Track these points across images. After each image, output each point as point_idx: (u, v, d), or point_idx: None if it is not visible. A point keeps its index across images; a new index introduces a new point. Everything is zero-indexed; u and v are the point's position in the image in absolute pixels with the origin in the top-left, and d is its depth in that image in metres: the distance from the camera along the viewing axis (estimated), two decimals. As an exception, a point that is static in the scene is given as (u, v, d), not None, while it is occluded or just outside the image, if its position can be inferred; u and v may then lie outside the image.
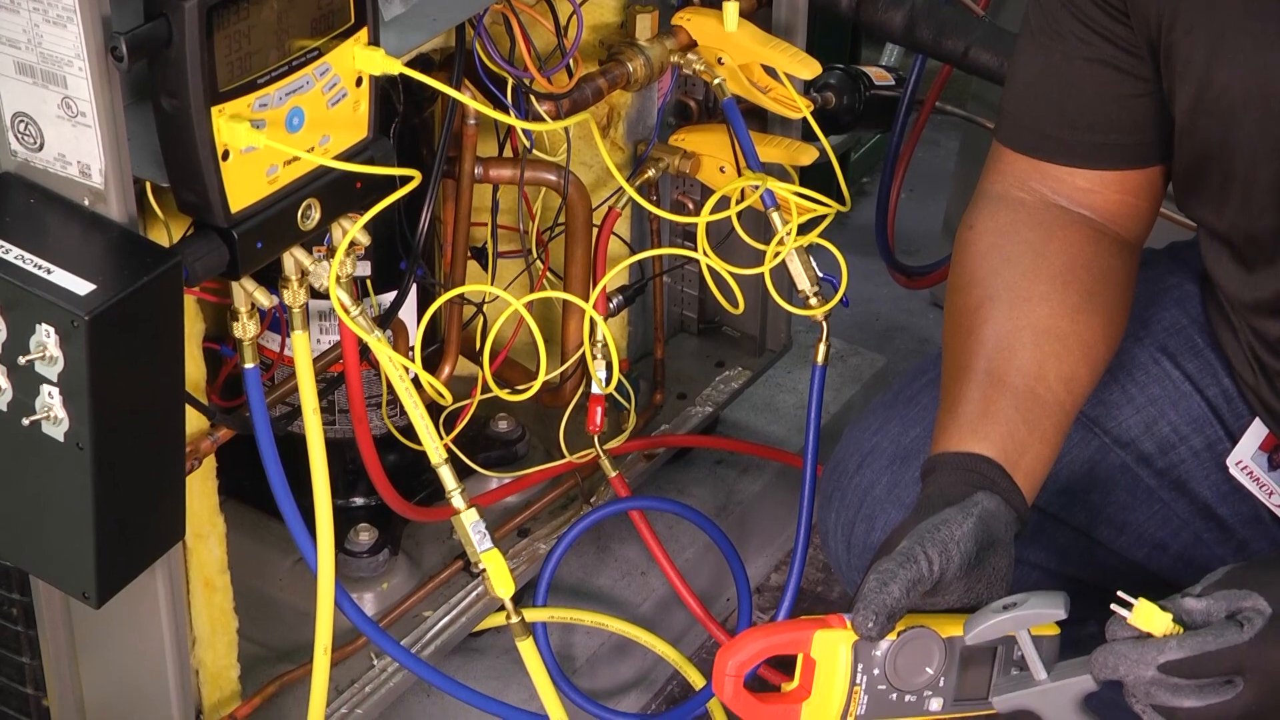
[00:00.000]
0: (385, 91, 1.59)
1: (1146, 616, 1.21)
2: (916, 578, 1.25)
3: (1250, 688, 1.19)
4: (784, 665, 1.30)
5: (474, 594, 1.85)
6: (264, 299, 1.45)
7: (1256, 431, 1.55)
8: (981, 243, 1.47)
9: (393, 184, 1.43)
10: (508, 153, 1.84)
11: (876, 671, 1.25)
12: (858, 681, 1.25)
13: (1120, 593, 1.22)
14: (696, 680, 1.96)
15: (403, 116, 1.66)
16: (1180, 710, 1.20)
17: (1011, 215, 1.47)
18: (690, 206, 2.07)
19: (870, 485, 1.55)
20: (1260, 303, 1.45)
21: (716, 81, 1.84)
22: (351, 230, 1.43)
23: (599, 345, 1.84)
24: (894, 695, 1.26)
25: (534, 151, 1.82)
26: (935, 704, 1.27)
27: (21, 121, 1.30)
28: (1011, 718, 1.29)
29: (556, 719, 1.68)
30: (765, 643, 1.24)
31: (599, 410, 1.88)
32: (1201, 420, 1.56)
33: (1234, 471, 1.54)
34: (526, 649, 1.65)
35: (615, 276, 1.88)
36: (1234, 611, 1.21)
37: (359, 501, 1.87)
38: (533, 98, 1.69)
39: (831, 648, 1.24)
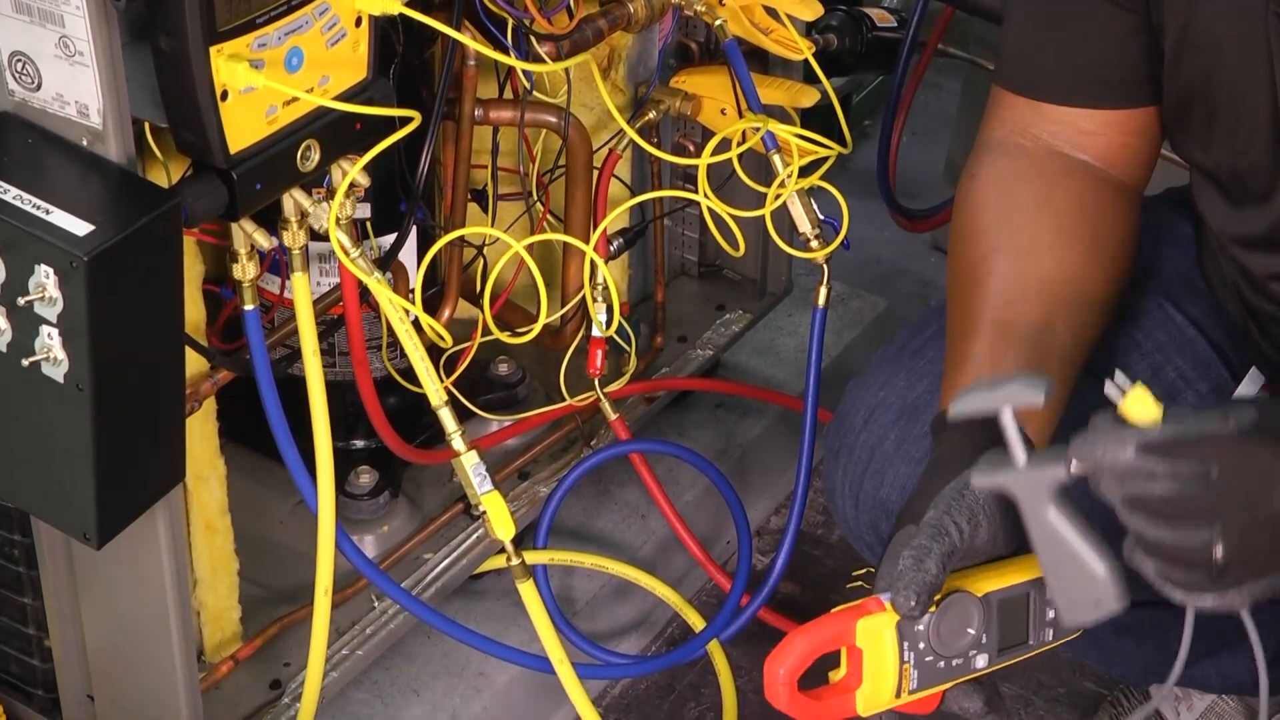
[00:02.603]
0: (385, 32, 1.58)
1: (1138, 404, 1.15)
2: (950, 550, 1.23)
3: (1224, 480, 1.13)
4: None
5: (474, 536, 1.86)
6: (263, 240, 1.44)
7: (1256, 372, 1.55)
8: (984, 193, 1.46)
9: (392, 125, 1.42)
10: (508, 94, 1.83)
11: (922, 645, 1.24)
12: (906, 659, 1.24)
13: (1119, 371, 1.18)
14: (696, 622, 1.97)
15: (402, 57, 1.65)
16: (1152, 498, 1.15)
17: (1014, 164, 1.46)
18: (691, 149, 2.06)
19: (878, 441, 1.54)
20: (1247, 238, 1.45)
21: (718, 23, 1.83)
22: (351, 171, 1.43)
23: (599, 288, 1.84)
24: (941, 663, 1.25)
25: (534, 93, 1.81)
26: (981, 660, 1.27)
27: (19, 61, 1.30)
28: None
29: (557, 660, 1.69)
30: (809, 642, 1.23)
31: (599, 353, 1.88)
32: (1207, 363, 1.56)
33: (1237, 412, 1.54)
34: (527, 591, 1.66)
35: (616, 219, 1.87)
36: (1224, 415, 1.16)
37: (359, 444, 1.88)
38: (533, 39, 1.68)
39: (876, 634, 1.23)
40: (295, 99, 1.35)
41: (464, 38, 1.53)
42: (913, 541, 1.24)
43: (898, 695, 1.25)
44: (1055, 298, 1.40)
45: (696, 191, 1.84)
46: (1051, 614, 1.29)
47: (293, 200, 1.46)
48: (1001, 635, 1.27)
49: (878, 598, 1.25)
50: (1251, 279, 1.48)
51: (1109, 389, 1.17)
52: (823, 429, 1.89)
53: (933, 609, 1.25)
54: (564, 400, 1.90)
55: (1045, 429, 1.37)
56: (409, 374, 1.61)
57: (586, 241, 1.84)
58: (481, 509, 1.59)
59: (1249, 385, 1.55)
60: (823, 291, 1.86)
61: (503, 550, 1.64)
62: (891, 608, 1.23)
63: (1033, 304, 1.39)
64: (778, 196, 1.82)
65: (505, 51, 1.65)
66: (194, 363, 1.53)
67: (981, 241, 1.43)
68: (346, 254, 1.48)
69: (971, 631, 1.26)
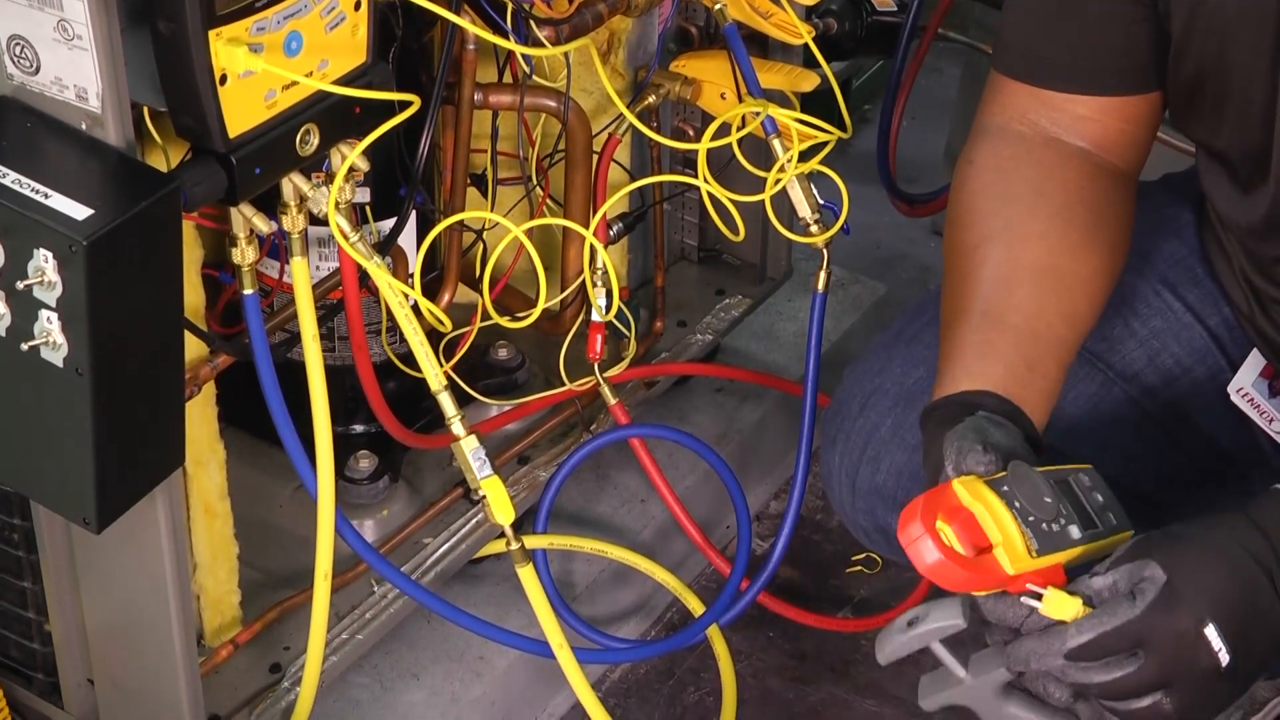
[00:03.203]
0: (384, 16, 1.58)
1: (1057, 605, 1.21)
2: (983, 437, 1.25)
3: (1151, 657, 1.19)
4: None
5: (474, 521, 1.86)
6: (262, 225, 1.44)
7: (1256, 359, 1.55)
8: (981, 180, 1.46)
9: (391, 109, 1.42)
10: (507, 79, 1.82)
11: (1018, 504, 1.22)
12: (1015, 517, 1.22)
13: (1029, 585, 1.22)
14: (696, 607, 1.97)
15: (402, 41, 1.65)
16: (1091, 686, 1.21)
17: (1011, 151, 1.46)
18: (691, 133, 2.06)
19: (874, 427, 1.54)
20: (1255, 224, 1.45)
21: (717, 7, 1.83)
22: (350, 156, 1.43)
23: (599, 272, 1.84)
24: (1044, 526, 1.23)
25: (534, 77, 1.81)
26: (1074, 531, 1.25)
27: (17, 44, 1.29)
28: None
29: (556, 645, 1.69)
30: (924, 507, 1.21)
31: (599, 338, 1.87)
32: (1203, 350, 1.56)
33: (1235, 399, 1.54)
34: (526, 575, 1.66)
35: (615, 204, 1.87)
36: (1136, 583, 1.21)
37: (359, 428, 1.88)
38: (532, 23, 1.67)
39: (975, 489, 1.22)
40: (294, 83, 1.35)
41: (463, 22, 1.53)
42: (949, 446, 1.25)
43: (1030, 552, 1.22)
44: (1048, 285, 1.39)
45: (696, 176, 1.84)
46: (1101, 499, 1.28)
47: (292, 184, 1.46)
48: (1075, 509, 1.26)
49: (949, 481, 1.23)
50: (1258, 263, 1.48)
51: (1024, 599, 1.22)
52: (822, 414, 1.89)
53: (1002, 473, 1.24)
54: (563, 385, 1.90)
55: (1042, 417, 1.37)
56: (408, 359, 1.61)
57: (586, 226, 1.84)
58: (481, 494, 1.59)
59: (1250, 369, 1.55)
60: (822, 276, 1.86)
61: (502, 535, 1.64)
62: (963, 474, 1.23)
63: (1025, 292, 1.39)
64: (777, 181, 1.82)
65: (505, 36, 1.65)
66: (193, 347, 1.53)
67: (976, 229, 1.43)
68: (346, 238, 1.48)
69: (1049, 500, 1.24)
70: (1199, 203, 1.58)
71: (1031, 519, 1.22)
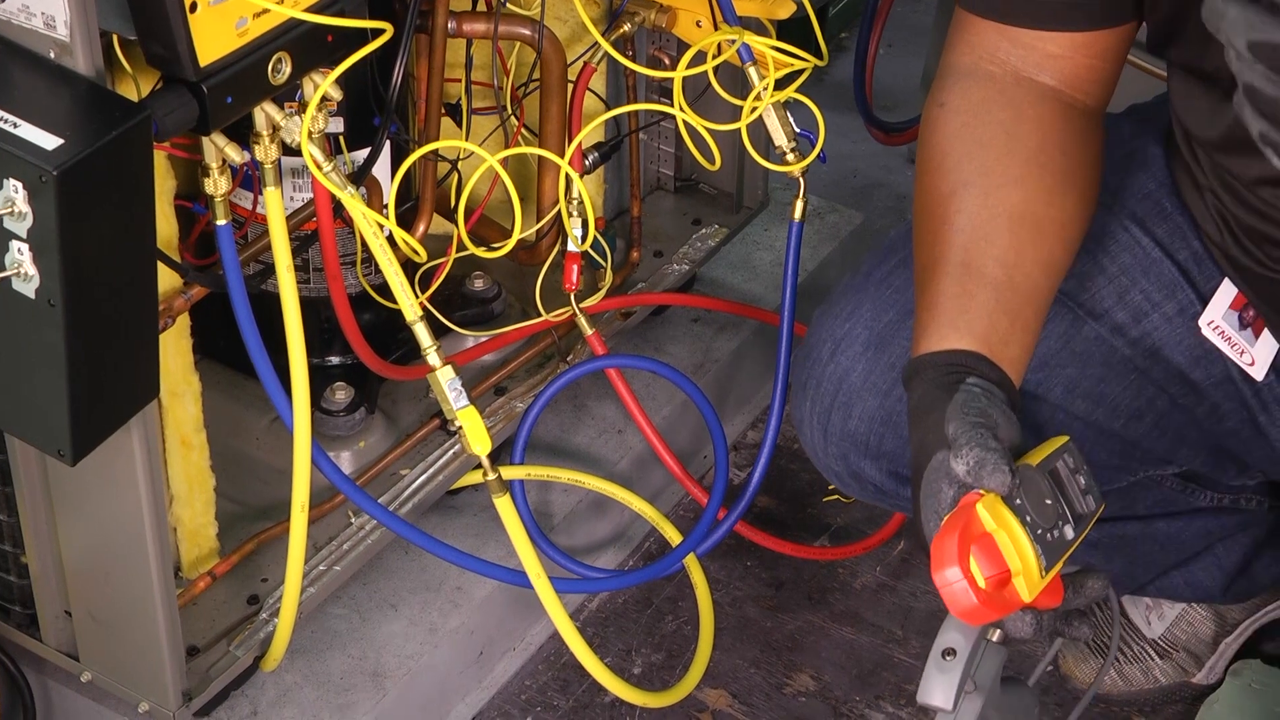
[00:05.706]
0: (356, -57, 1.57)
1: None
2: (994, 430, 1.25)
3: None
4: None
5: (451, 452, 1.86)
6: (235, 154, 1.43)
7: (1226, 291, 1.54)
8: (953, 123, 1.44)
9: (364, 37, 1.41)
10: (481, 6, 1.81)
11: (1028, 519, 1.24)
12: (1030, 537, 1.24)
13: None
14: (673, 537, 1.97)
15: (374, -31, 1.63)
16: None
17: (982, 93, 1.44)
18: (666, 61, 2.04)
19: (845, 373, 1.54)
20: (1232, 139, 1.43)
21: (693, -67, 1.81)
22: (323, 85, 1.42)
23: (575, 202, 1.83)
24: (1049, 535, 1.24)
25: (508, 5, 1.79)
26: (1069, 531, 1.26)
27: (-16, -28, 1.28)
28: None
29: (534, 575, 1.69)
30: (953, 542, 1.22)
31: (575, 268, 1.87)
32: (1173, 285, 1.56)
33: (1206, 332, 1.54)
34: (503, 506, 1.66)
35: (591, 133, 1.86)
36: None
37: (334, 360, 1.87)
38: (506, -50, 1.66)
39: (997, 511, 1.22)
40: (265, 10, 1.34)
41: (436, -52, 1.51)
42: (963, 440, 1.24)
43: (1041, 573, 1.23)
44: (1025, 233, 1.38)
45: (672, 105, 1.83)
46: (1083, 481, 1.29)
47: (264, 114, 1.45)
48: (1066, 503, 1.27)
49: (970, 494, 1.24)
50: (1233, 188, 1.47)
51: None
52: (798, 344, 1.89)
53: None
54: (540, 315, 1.90)
55: (1021, 371, 1.36)
56: (384, 290, 1.61)
57: (561, 155, 1.83)
58: (458, 424, 1.59)
59: (1220, 301, 1.55)
60: (799, 205, 1.85)
61: (479, 466, 1.64)
62: (987, 492, 1.23)
63: (1002, 241, 1.38)
64: (754, 110, 1.81)
65: (478, -37, 1.63)
66: (167, 278, 1.52)
67: (950, 176, 1.42)
68: (319, 168, 1.47)
69: (1049, 503, 1.25)
70: (1167, 134, 1.57)
71: (1039, 531, 1.24)
